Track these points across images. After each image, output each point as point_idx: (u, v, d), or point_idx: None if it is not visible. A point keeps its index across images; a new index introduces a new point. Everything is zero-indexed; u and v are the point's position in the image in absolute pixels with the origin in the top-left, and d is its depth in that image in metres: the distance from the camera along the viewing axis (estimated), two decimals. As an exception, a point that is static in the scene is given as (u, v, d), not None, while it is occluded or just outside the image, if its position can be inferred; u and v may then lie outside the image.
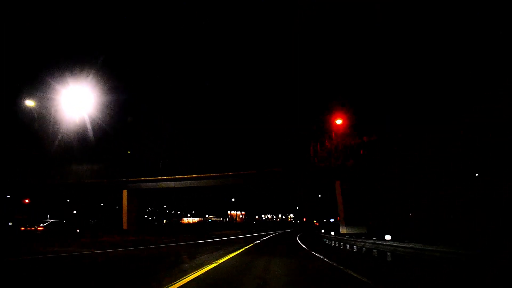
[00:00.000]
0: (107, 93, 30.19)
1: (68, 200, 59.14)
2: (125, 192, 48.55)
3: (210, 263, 10.98)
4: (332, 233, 26.63)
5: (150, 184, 48.62)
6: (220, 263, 11.05)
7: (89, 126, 29.86)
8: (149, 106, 64.56)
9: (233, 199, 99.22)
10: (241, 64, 76.52)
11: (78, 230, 31.59)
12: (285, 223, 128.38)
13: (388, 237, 13.34)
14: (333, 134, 37.39)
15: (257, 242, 26.72)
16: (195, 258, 12.74)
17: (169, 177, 47.56)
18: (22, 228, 26.94)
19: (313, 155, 39.84)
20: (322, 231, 39.57)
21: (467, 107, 23.37)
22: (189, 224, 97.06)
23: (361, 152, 35.17)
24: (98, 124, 32.07)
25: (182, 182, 47.52)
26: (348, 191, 36.76)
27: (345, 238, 20.23)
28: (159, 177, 48.06)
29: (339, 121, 33.22)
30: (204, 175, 46.81)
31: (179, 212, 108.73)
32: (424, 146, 24.89)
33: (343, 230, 35.23)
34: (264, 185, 58.97)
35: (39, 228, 27.01)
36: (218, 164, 47.05)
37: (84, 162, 45.10)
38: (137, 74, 64.29)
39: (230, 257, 13.13)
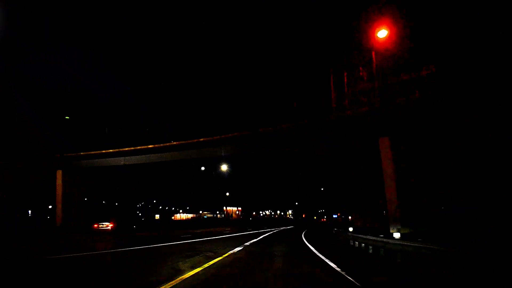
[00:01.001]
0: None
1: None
2: (59, 173, 36.34)
3: None
4: (396, 235, 15.88)
5: (91, 162, 36.60)
6: None
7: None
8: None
9: (227, 193, 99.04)
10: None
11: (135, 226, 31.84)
12: (284, 219, 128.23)
13: None
14: (373, 54, 24.16)
15: (239, 249, 16.51)
16: None
17: (116, 150, 35.38)
18: (95, 226, 28.11)
19: (336, 95, 25.57)
20: (351, 229, 25.43)
21: (467, 107, 23.45)
22: (181, 221, 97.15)
23: (416, 94, 23.80)
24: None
25: (137, 157, 35.37)
26: (405, 157, 22.56)
27: None
28: (103, 151, 35.80)
29: (383, 33, 20.37)
30: (165, 144, 34.47)
31: (173, 208, 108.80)
32: (424, 146, 24.93)
33: (394, 228, 21.64)
34: (251, 156, 40.38)
35: (110, 226, 28.61)
36: (187, 130, 35.58)
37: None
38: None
39: None
